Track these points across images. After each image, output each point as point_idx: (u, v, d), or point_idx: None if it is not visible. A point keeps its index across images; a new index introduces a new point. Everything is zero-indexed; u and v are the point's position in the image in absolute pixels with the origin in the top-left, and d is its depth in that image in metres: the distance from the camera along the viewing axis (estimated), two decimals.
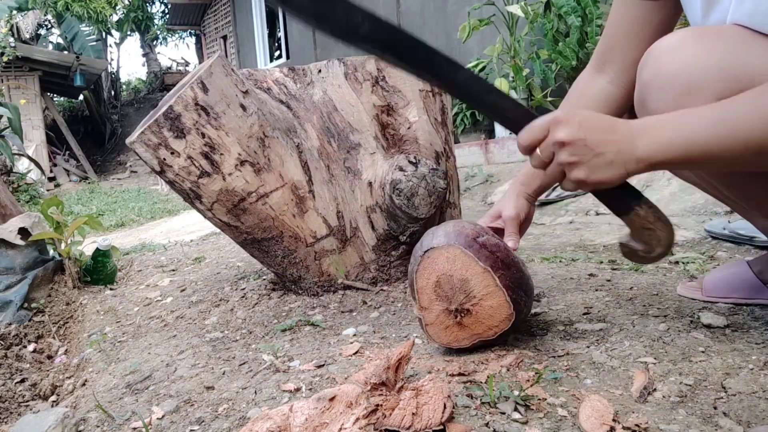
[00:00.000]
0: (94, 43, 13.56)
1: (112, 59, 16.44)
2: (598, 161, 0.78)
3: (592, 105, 1.07)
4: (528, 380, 0.83)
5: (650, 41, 0.98)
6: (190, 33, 17.89)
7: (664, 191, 2.65)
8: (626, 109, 1.06)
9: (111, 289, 1.99)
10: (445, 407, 0.68)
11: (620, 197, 0.84)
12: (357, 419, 0.65)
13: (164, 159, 1.27)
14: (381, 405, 0.68)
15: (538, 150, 0.81)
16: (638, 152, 0.77)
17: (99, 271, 2.02)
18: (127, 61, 57.53)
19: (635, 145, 0.77)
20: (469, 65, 4.61)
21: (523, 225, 1.07)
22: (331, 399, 0.68)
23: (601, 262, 1.64)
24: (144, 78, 18.99)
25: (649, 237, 0.84)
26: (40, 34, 14.25)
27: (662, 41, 0.89)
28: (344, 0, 0.76)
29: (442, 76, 0.82)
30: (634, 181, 2.91)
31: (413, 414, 0.67)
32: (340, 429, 0.65)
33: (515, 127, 0.83)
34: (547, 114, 0.81)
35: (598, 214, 2.73)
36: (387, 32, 0.79)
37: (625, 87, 1.05)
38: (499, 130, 4.46)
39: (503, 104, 0.83)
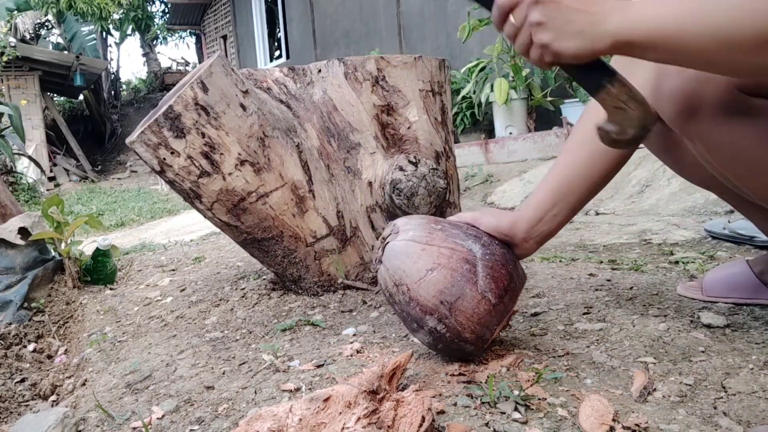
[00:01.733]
0: (92, 42, 13.56)
1: (111, 59, 16.45)
2: (567, 28, 0.74)
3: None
4: (528, 380, 0.83)
5: None
6: (190, 33, 17.89)
7: (664, 191, 2.65)
8: None
9: (111, 288, 1.99)
10: (423, 420, 0.67)
11: (590, 74, 0.80)
12: (359, 419, 0.65)
13: (164, 159, 1.27)
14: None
15: (511, 15, 0.78)
16: (609, 27, 0.73)
17: (99, 270, 2.02)
18: (127, 60, 57.63)
19: (608, 21, 0.73)
20: (469, 65, 4.62)
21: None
22: (326, 399, 0.68)
23: (601, 262, 1.64)
24: (144, 78, 18.99)
25: (622, 118, 0.80)
26: (40, 34, 14.25)
27: None
28: None
29: None
30: (634, 186, 2.90)
31: (389, 427, 0.67)
32: (343, 428, 0.64)
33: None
34: None
35: (597, 213, 2.73)
36: None
37: None
38: (499, 129, 4.45)
39: None
